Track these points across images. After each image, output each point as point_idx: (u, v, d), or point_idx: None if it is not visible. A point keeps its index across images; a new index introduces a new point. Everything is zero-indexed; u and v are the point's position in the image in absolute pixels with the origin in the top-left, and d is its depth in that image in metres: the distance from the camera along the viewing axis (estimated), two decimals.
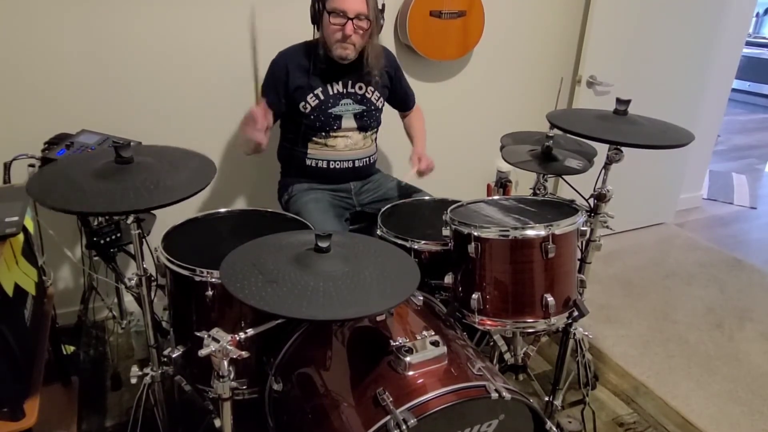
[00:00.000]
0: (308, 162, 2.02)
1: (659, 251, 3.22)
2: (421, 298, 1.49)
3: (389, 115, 2.22)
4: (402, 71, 2.15)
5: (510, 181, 3.02)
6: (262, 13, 2.25)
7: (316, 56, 1.92)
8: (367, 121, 2.04)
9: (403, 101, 2.21)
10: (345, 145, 2.01)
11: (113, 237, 1.68)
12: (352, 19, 1.81)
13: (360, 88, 2.00)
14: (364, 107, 2.01)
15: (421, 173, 2.01)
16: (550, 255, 1.40)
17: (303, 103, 1.93)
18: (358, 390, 1.20)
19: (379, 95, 2.05)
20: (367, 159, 2.09)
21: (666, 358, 2.28)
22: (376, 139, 2.14)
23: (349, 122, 2.00)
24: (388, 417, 1.08)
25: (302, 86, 1.92)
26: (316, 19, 1.89)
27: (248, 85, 2.34)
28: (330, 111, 1.95)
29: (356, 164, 2.06)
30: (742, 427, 1.94)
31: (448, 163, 2.91)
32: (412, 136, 2.24)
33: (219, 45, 2.23)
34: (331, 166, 2.02)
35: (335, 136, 1.99)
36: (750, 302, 2.71)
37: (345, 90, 1.97)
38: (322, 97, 1.94)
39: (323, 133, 1.98)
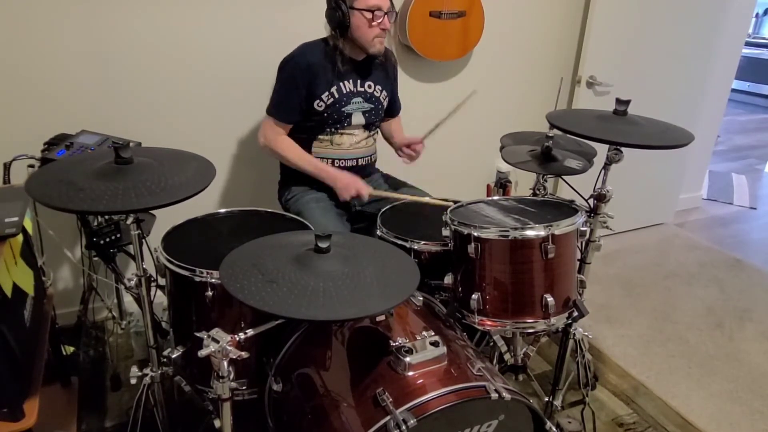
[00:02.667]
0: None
1: (659, 251, 3.22)
2: (421, 298, 1.50)
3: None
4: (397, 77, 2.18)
5: (510, 182, 3.02)
6: (263, 14, 2.26)
7: (330, 54, 1.92)
8: (374, 120, 2.05)
9: (393, 106, 2.21)
10: (350, 143, 2.02)
11: (113, 237, 1.67)
12: (386, 14, 1.85)
13: (369, 86, 2.01)
14: (373, 106, 2.02)
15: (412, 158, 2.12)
16: (550, 255, 1.40)
17: (318, 101, 1.93)
18: (357, 390, 1.20)
19: (386, 95, 2.07)
20: (369, 157, 2.10)
21: (666, 358, 2.28)
22: (377, 138, 2.15)
23: (358, 120, 2.01)
24: (388, 417, 1.08)
25: (319, 84, 1.92)
26: (343, 21, 1.84)
27: (249, 86, 2.34)
28: (343, 109, 1.96)
29: (359, 162, 2.06)
30: (742, 427, 1.94)
31: (448, 163, 2.91)
32: (392, 135, 2.25)
33: (220, 45, 2.23)
34: (336, 165, 2.03)
35: (342, 134, 2.00)
36: (750, 302, 2.71)
37: (356, 88, 1.98)
38: (336, 95, 1.94)
39: (332, 130, 1.98)
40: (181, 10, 2.13)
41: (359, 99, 1.99)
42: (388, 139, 2.28)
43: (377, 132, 2.14)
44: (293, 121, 1.96)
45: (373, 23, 1.84)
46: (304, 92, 1.91)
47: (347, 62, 1.94)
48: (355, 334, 1.36)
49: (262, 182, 2.49)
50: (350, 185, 1.90)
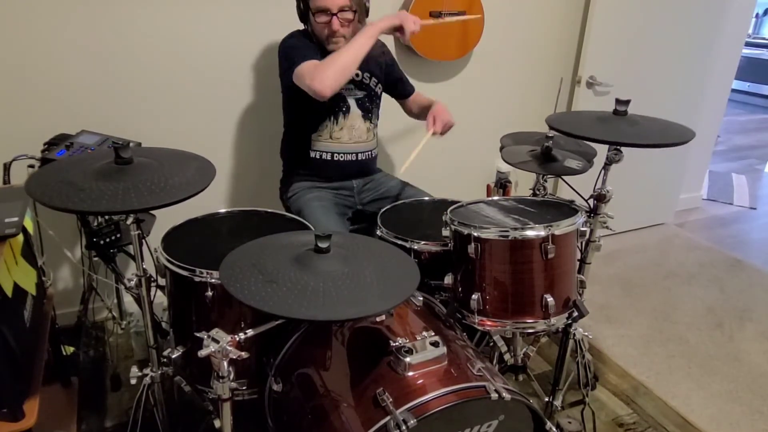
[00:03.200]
0: (312, 155, 2.01)
1: (659, 251, 3.22)
2: (421, 298, 1.50)
3: (387, 112, 2.22)
4: (395, 60, 2.17)
5: (510, 182, 3.02)
6: (264, 14, 2.25)
7: (317, 43, 1.93)
8: (369, 107, 2.05)
9: (401, 88, 2.19)
10: (350, 137, 2.01)
11: (113, 237, 1.68)
12: (336, 14, 1.82)
13: (357, 75, 2.00)
14: (365, 92, 2.02)
15: (439, 133, 1.97)
16: (550, 255, 1.40)
17: None
18: (357, 390, 1.20)
19: (377, 81, 2.06)
20: (369, 153, 2.09)
21: (666, 358, 2.28)
22: (377, 133, 2.14)
23: (353, 108, 2.00)
24: (388, 417, 1.08)
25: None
26: (304, 18, 1.92)
27: (249, 86, 2.34)
28: (340, 92, 1.92)
29: (359, 157, 2.06)
30: (742, 427, 1.94)
31: (448, 164, 2.92)
32: (423, 105, 2.16)
33: (220, 45, 2.23)
34: (336, 159, 2.02)
35: (342, 126, 1.99)
36: (750, 302, 2.71)
37: None
38: None
39: (331, 117, 1.97)
40: (181, 10, 2.13)
41: (350, 86, 1.98)
42: (415, 110, 2.21)
43: (377, 126, 2.14)
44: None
45: (319, 24, 1.84)
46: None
47: (327, 51, 1.92)
48: (355, 334, 1.36)
49: (262, 182, 2.49)
50: (396, 15, 1.80)
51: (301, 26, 2.00)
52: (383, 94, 2.14)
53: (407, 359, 1.18)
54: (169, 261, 1.43)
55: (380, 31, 1.78)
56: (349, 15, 1.85)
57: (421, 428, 1.08)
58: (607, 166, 1.60)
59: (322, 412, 1.22)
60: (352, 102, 1.99)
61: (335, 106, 1.96)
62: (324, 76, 1.70)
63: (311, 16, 1.86)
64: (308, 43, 1.90)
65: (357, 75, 2.00)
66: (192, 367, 1.51)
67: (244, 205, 2.52)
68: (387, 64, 2.12)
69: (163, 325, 1.55)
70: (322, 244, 1.14)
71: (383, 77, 2.10)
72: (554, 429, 1.24)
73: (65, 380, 1.91)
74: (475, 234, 1.41)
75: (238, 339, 1.07)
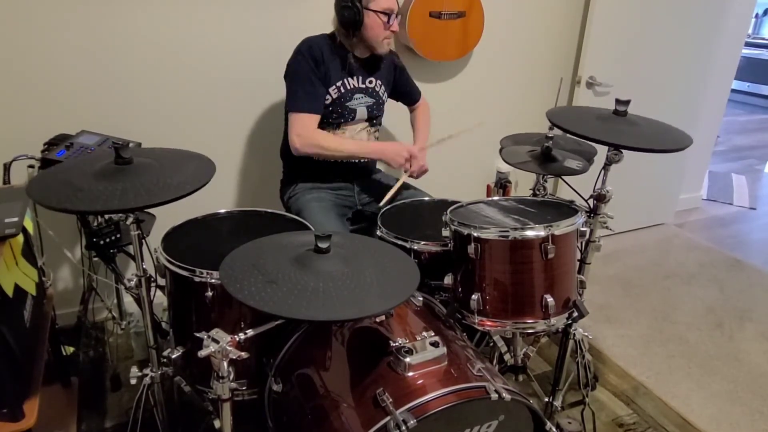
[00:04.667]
0: (315, 157, 2.02)
1: (659, 251, 3.22)
2: (421, 298, 1.50)
3: (389, 113, 2.23)
4: (405, 67, 2.19)
5: (510, 182, 3.02)
6: (265, 14, 2.25)
7: (336, 50, 1.94)
8: (376, 113, 2.07)
9: (408, 95, 2.24)
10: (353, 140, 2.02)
11: (113, 238, 1.67)
12: (396, 16, 1.90)
13: (370, 82, 2.03)
14: (374, 100, 2.05)
15: (413, 176, 2.02)
16: (550, 256, 1.40)
17: (326, 95, 1.94)
18: (357, 391, 1.20)
19: (385, 89, 2.09)
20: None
21: (666, 358, 2.28)
22: (378, 137, 2.15)
23: (361, 115, 2.02)
24: (388, 418, 1.08)
25: (329, 76, 1.93)
26: (356, 20, 1.86)
27: (250, 86, 2.34)
28: (347, 104, 1.98)
29: (362, 160, 2.08)
30: (742, 427, 1.94)
31: (447, 164, 2.91)
32: (414, 129, 2.27)
33: (220, 45, 2.23)
34: (339, 161, 2.03)
35: (344, 130, 2.00)
36: (750, 302, 2.71)
37: (358, 85, 2.00)
38: (342, 90, 1.96)
39: (335, 126, 1.99)
40: (181, 10, 2.13)
41: (361, 95, 2.00)
42: (412, 124, 2.30)
43: (378, 130, 2.14)
44: (322, 110, 1.93)
45: (385, 24, 1.88)
46: (321, 81, 1.91)
47: (346, 58, 1.95)
48: (355, 334, 1.36)
49: (262, 182, 2.49)
50: (399, 151, 1.93)
51: (304, 31, 2.00)
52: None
53: (407, 359, 1.18)
54: (169, 261, 1.43)
55: (384, 160, 1.95)
56: (399, 17, 1.95)
57: (421, 428, 1.08)
58: (607, 166, 1.60)
59: (322, 412, 1.22)
60: (361, 109, 2.01)
61: (341, 116, 1.98)
62: (308, 145, 1.88)
63: (373, 16, 1.86)
64: (313, 75, 1.89)
65: (370, 83, 2.03)
66: (192, 368, 1.51)
67: (244, 205, 2.53)
68: (395, 71, 2.14)
69: (163, 325, 1.55)
70: (322, 245, 1.14)
71: (392, 85, 2.12)
72: (554, 429, 1.24)
73: (65, 380, 1.91)
74: (475, 234, 1.41)
75: (238, 339, 1.07)
